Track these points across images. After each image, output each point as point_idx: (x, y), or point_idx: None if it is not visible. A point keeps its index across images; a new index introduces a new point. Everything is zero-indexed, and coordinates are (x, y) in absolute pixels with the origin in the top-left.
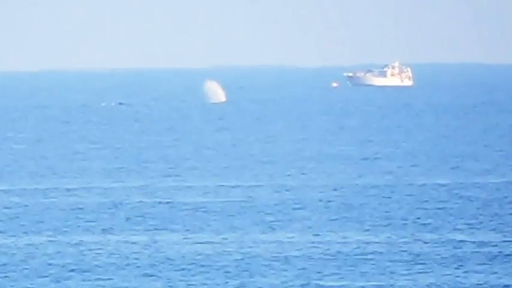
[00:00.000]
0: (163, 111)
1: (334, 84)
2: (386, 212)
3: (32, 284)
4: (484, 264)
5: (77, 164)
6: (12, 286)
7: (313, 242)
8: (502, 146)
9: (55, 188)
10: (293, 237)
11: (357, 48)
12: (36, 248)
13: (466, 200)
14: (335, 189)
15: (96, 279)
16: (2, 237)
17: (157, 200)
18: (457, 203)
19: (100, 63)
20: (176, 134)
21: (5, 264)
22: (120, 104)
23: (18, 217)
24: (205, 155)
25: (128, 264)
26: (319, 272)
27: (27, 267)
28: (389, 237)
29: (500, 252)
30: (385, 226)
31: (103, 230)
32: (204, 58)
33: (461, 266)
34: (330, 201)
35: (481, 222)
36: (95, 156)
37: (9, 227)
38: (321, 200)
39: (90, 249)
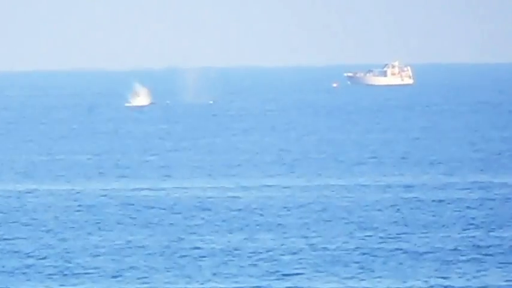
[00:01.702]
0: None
1: (334, 85)
2: (381, 212)
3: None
4: (470, 262)
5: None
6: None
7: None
8: (501, 146)
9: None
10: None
11: (357, 48)
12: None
13: (462, 200)
14: (331, 190)
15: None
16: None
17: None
18: (452, 203)
19: (85, 64)
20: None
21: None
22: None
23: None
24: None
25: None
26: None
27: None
28: (384, 236)
29: (495, 252)
30: (380, 226)
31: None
32: (203, 58)
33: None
34: (320, 202)
35: (476, 222)
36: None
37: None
38: (310, 202)
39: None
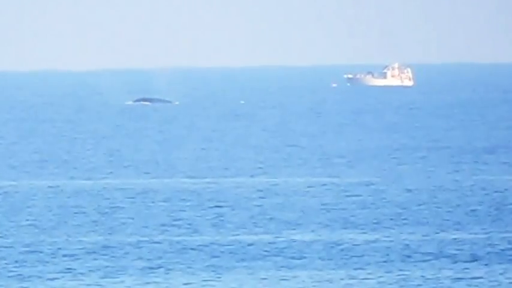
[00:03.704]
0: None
1: (334, 85)
2: (375, 210)
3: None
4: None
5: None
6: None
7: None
8: (502, 145)
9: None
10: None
11: (357, 48)
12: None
13: (459, 199)
14: (328, 188)
15: None
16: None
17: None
18: (450, 202)
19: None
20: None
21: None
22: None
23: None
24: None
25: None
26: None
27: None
28: (379, 234)
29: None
30: (375, 224)
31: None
32: (202, 59)
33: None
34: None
35: (470, 220)
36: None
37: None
38: (307, 201)
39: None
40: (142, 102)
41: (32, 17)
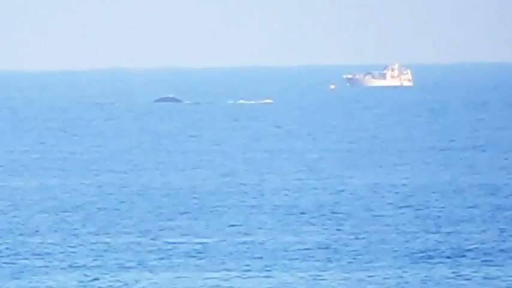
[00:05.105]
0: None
1: (332, 86)
2: (371, 210)
3: None
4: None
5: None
6: None
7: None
8: (501, 145)
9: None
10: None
11: (357, 48)
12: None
13: (458, 199)
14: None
15: None
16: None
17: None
18: (450, 202)
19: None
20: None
21: None
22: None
23: None
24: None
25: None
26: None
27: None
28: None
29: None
30: (372, 223)
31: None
32: (201, 59)
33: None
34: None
35: (468, 220)
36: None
37: None
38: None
39: None
40: (163, 102)
41: (21, 18)
